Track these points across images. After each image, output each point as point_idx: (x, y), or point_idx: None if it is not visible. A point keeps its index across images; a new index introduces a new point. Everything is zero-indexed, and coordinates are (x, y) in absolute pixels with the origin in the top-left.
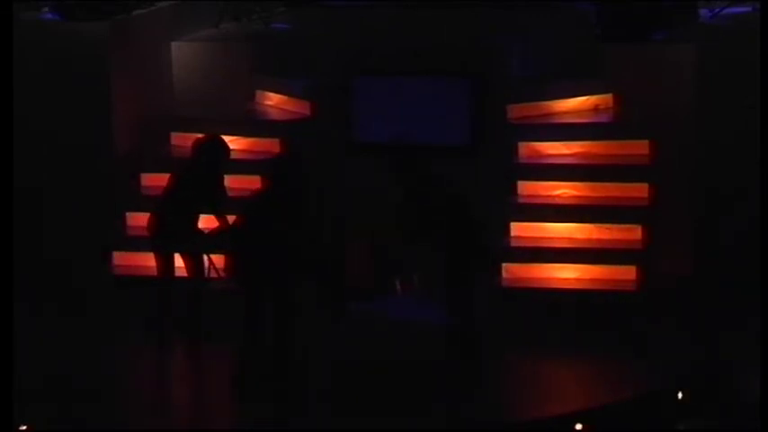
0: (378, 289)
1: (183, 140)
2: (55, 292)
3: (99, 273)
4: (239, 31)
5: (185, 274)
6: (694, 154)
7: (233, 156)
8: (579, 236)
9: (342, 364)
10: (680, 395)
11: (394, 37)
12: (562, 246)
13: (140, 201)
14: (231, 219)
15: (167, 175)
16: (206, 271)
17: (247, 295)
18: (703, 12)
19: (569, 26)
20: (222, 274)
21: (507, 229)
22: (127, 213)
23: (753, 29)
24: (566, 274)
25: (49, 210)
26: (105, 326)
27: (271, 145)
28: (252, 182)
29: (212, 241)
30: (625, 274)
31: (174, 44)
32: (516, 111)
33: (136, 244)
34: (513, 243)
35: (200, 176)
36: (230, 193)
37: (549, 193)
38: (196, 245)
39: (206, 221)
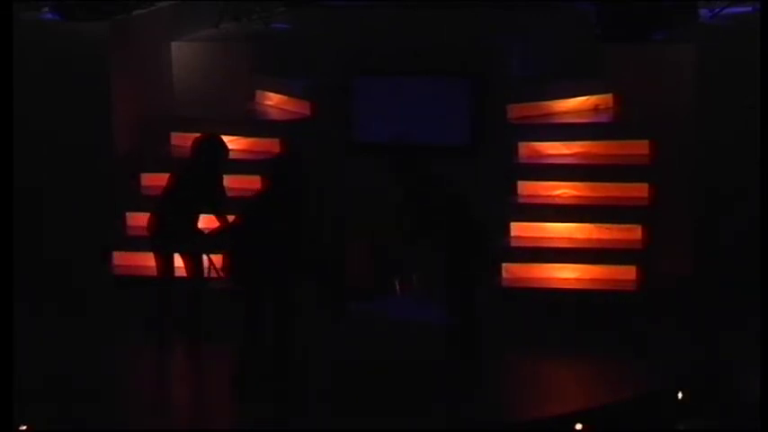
0: (378, 289)
1: (183, 140)
2: (55, 292)
3: (99, 273)
4: (239, 31)
5: (185, 274)
6: (694, 154)
7: (233, 156)
8: (579, 236)
9: (342, 363)
10: (680, 395)
11: (394, 37)
12: (562, 246)
13: (140, 201)
14: (231, 219)
15: (167, 175)
16: (206, 271)
17: (247, 295)
18: (703, 12)
19: (569, 26)
20: (222, 274)
21: (507, 229)
22: (127, 213)
23: (753, 29)
24: (566, 274)
25: (48, 210)
26: (105, 326)
27: (271, 145)
28: (252, 182)
29: (212, 241)
30: (625, 274)
31: (174, 44)
32: (516, 111)
33: (136, 244)
34: (513, 243)
35: (200, 176)
36: (230, 194)
37: (549, 193)
38: (196, 245)
39: (206, 221)
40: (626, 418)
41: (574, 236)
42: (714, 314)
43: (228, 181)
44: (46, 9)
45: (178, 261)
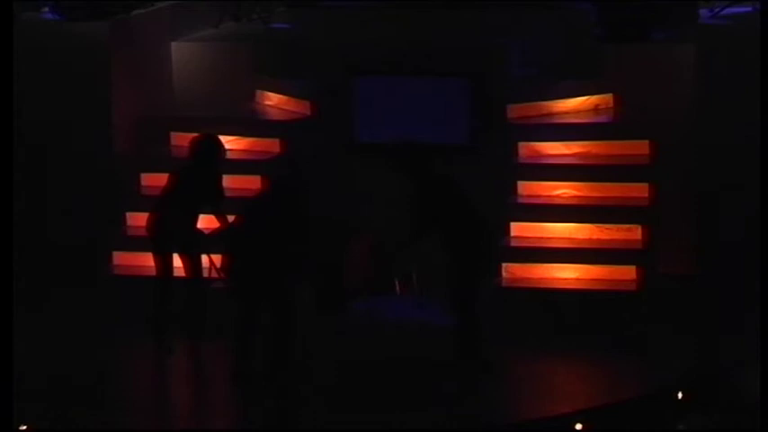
0: (378, 289)
1: (183, 140)
2: (55, 291)
3: (99, 273)
4: (239, 31)
5: (184, 274)
6: (694, 154)
7: (233, 156)
8: (579, 236)
9: (341, 363)
10: (680, 395)
11: (394, 37)
12: (562, 246)
13: (140, 201)
14: (231, 219)
15: (167, 175)
16: (206, 271)
17: (245, 295)
18: (703, 12)
19: (569, 26)
20: (222, 274)
21: (507, 229)
22: (127, 213)
23: (753, 29)
24: (566, 274)
25: (48, 210)
26: (105, 325)
27: (271, 145)
28: (252, 182)
29: (211, 241)
30: (625, 274)
31: (173, 44)
32: (516, 111)
33: (136, 244)
34: (513, 243)
35: (198, 176)
36: (230, 194)
37: (549, 193)
38: (195, 245)
39: (206, 221)
40: (626, 418)
41: (574, 236)
42: (714, 314)
43: (228, 181)
44: (46, 9)
45: (177, 261)
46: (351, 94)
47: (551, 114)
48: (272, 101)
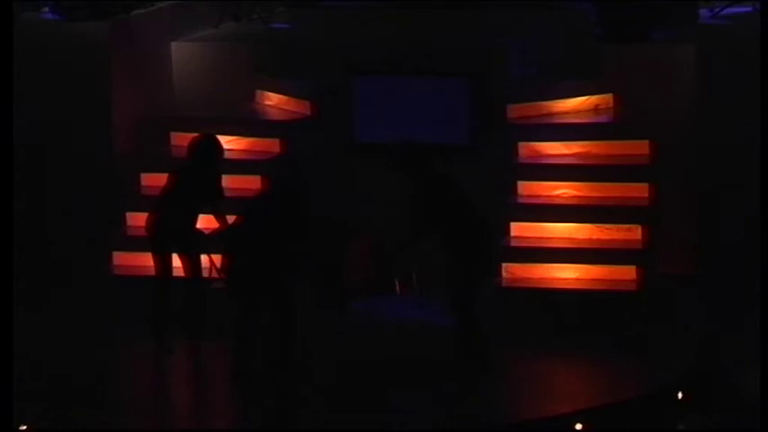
0: (378, 289)
1: (183, 140)
2: (55, 291)
3: (99, 273)
4: (239, 31)
5: (183, 274)
6: (694, 154)
7: (233, 156)
8: (579, 236)
9: (341, 363)
10: (680, 395)
11: (394, 37)
12: (562, 246)
13: (140, 201)
14: (230, 219)
15: (167, 175)
16: (207, 271)
17: (245, 295)
18: (703, 12)
19: (569, 26)
20: (222, 274)
21: (507, 229)
22: (127, 213)
23: (753, 29)
24: (566, 274)
25: (48, 210)
26: (105, 325)
27: (271, 145)
28: (252, 182)
29: (211, 241)
30: (625, 274)
31: (173, 44)
32: (516, 111)
33: (136, 244)
34: (513, 243)
35: (197, 176)
36: (230, 194)
37: (549, 193)
38: (194, 245)
39: (205, 221)
40: (626, 418)
41: (574, 236)
42: (714, 314)
43: (228, 181)
44: (46, 9)
45: (177, 261)
46: (351, 94)
47: (551, 114)
48: (272, 101)
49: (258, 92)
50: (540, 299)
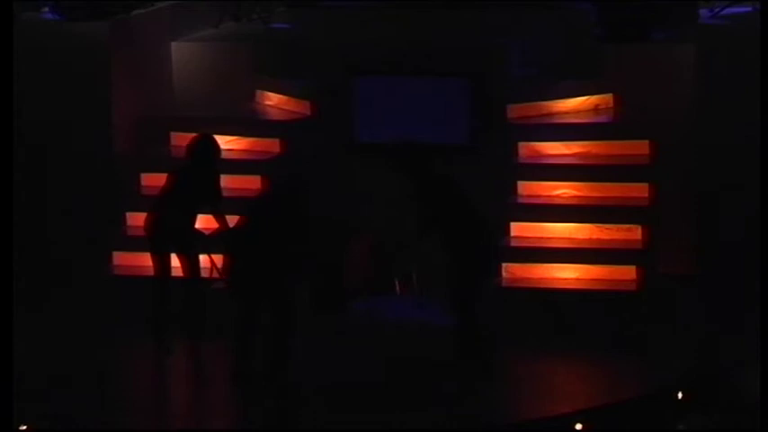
0: (378, 289)
1: (183, 140)
2: (55, 291)
3: (99, 273)
4: (239, 31)
5: (181, 274)
6: (694, 154)
7: (233, 156)
8: (579, 236)
9: (341, 363)
10: (680, 395)
11: (394, 37)
12: (562, 246)
13: (140, 201)
14: (229, 218)
15: (166, 176)
16: (207, 271)
17: (245, 295)
18: (703, 12)
19: (569, 26)
20: (222, 274)
21: (507, 229)
22: (127, 213)
23: (753, 29)
24: (566, 274)
25: (48, 210)
26: (105, 325)
27: (271, 145)
28: (252, 182)
29: (211, 241)
30: (625, 274)
31: (173, 44)
32: (516, 111)
33: (136, 244)
34: (513, 243)
35: (195, 176)
36: (230, 194)
37: (549, 193)
38: (193, 245)
39: (205, 221)
40: (626, 418)
41: (574, 236)
42: (714, 314)
43: (228, 181)
44: (46, 9)
45: (176, 261)
46: (351, 94)
47: (551, 114)
48: (272, 101)
49: (258, 92)
50: (540, 299)
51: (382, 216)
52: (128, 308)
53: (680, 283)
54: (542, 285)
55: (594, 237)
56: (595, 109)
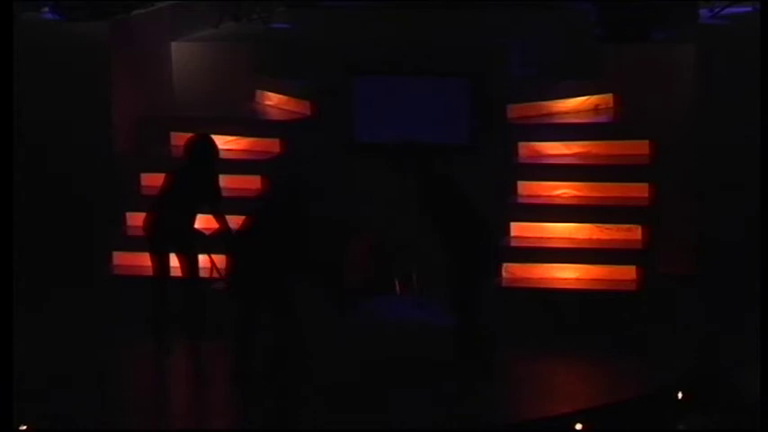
0: (378, 289)
1: (183, 140)
2: (55, 291)
3: (99, 273)
4: (239, 31)
5: (181, 274)
6: (694, 154)
7: (233, 156)
8: (579, 236)
9: (341, 363)
10: (680, 395)
11: (394, 37)
12: (562, 246)
13: (140, 201)
14: (229, 218)
15: (164, 176)
16: (208, 271)
17: (245, 295)
18: (703, 12)
19: (569, 26)
20: (224, 274)
21: (507, 229)
22: (127, 213)
23: (753, 29)
24: (566, 274)
25: (48, 210)
26: (105, 325)
27: (271, 145)
28: (252, 182)
29: (211, 241)
30: (625, 274)
31: (173, 44)
32: (516, 111)
33: (135, 244)
34: (513, 243)
35: (193, 175)
36: (230, 194)
37: (549, 193)
38: (192, 245)
39: (205, 221)
40: (626, 418)
41: (574, 236)
42: (714, 314)
43: (228, 181)
44: (46, 9)
45: (175, 261)
46: (351, 94)
47: (551, 114)
48: (272, 101)
49: (258, 92)
50: (540, 299)
51: (382, 216)
52: (128, 308)
53: (680, 283)
54: (542, 285)
55: (594, 237)
56: (595, 109)
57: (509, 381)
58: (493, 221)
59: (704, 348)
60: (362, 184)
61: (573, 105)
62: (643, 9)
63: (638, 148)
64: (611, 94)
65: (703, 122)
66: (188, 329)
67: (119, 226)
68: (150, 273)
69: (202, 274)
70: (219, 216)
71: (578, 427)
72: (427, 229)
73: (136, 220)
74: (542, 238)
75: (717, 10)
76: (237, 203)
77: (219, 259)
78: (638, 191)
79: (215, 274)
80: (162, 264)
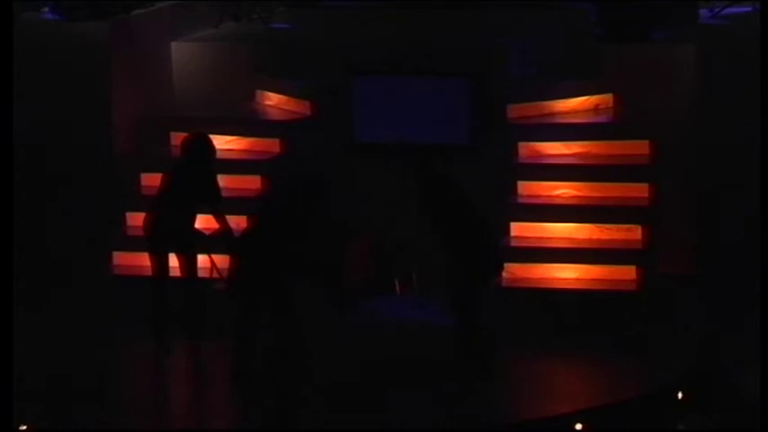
0: (378, 289)
1: None
2: (55, 291)
3: (99, 273)
4: (239, 31)
5: (181, 274)
6: (694, 154)
7: (234, 156)
8: (579, 236)
9: (341, 363)
10: (680, 395)
11: (394, 37)
12: (562, 246)
13: (140, 201)
14: (228, 218)
15: (162, 175)
16: (208, 271)
17: (245, 295)
18: (703, 12)
19: (569, 26)
20: (224, 274)
21: (507, 229)
22: (127, 213)
23: (753, 29)
24: (566, 274)
25: (48, 210)
26: (105, 325)
27: (271, 145)
28: (252, 182)
29: (211, 241)
30: (625, 274)
31: (173, 44)
32: (516, 111)
33: (135, 244)
34: (513, 243)
35: (191, 175)
36: (230, 194)
37: (549, 193)
38: (191, 244)
39: (205, 221)
40: (626, 418)
41: (574, 236)
42: (714, 314)
43: (228, 181)
44: (46, 9)
45: (174, 261)
46: (351, 94)
47: (551, 114)
48: (272, 101)
49: (258, 92)
50: (540, 299)
51: (382, 216)
52: (128, 308)
53: (680, 283)
54: (542, 285)
55: (594, 237)
56: (595, 109)
57: (509, 381)
58: (493, 221)
59: (704, 348)
60: (362, 184)
61: (573, 105)
62: (643, 9)
63: (638, 148)
64: (611, 94)
65: (703, 122)
66: (188, 329)
67: (119, 226)
68: (150, 273)
69: (202, 274)
70: (219, 216)
71: (578, 427)
72: (427, 229)
73: (136, 220)
74: (542, 238)
75: (717, 10)
76: (237, 203)
77: (219, 259)
78: (638, 191)
79: (215, 274)
80: (162, 264)
